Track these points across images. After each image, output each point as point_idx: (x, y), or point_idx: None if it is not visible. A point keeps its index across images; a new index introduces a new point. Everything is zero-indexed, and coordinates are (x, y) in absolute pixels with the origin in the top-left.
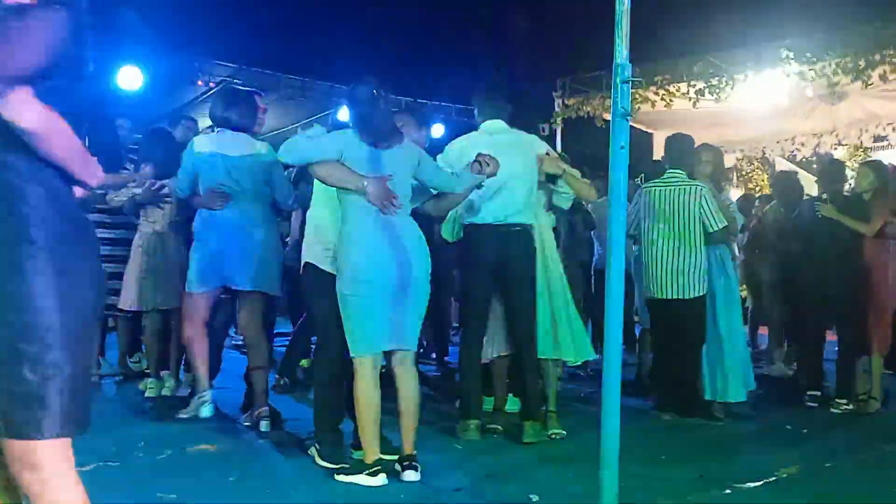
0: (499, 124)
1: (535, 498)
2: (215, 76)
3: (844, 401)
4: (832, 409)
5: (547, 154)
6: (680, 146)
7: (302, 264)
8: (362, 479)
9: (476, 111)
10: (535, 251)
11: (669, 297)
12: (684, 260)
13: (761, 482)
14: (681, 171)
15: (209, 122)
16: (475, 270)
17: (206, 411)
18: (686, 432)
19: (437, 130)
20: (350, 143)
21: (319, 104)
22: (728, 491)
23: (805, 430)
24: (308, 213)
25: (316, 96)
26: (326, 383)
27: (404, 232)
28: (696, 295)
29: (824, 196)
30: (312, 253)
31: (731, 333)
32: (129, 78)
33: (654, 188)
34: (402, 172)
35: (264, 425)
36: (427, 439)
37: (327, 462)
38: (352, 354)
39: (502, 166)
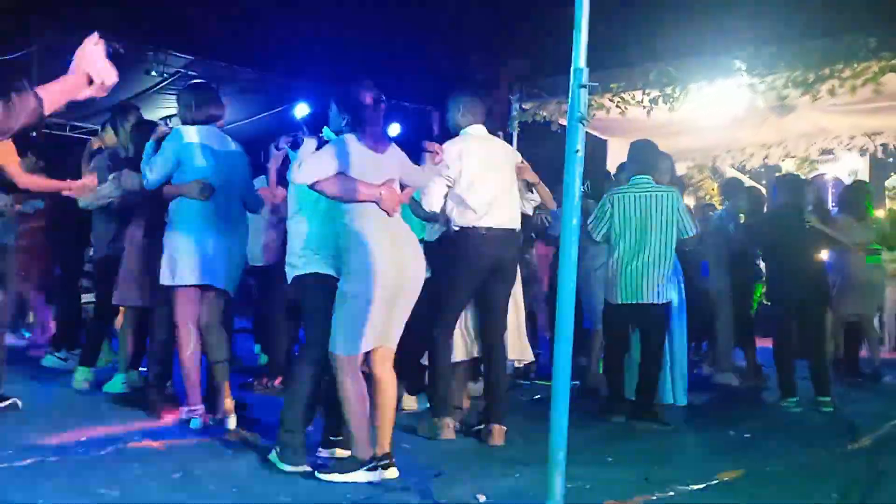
0: (482, 129)
1: (482, 498)
2: (169, 67)
3: (828, 399)
4: (822, 409)
5: (522, 163)
6: (646, 152)
7: (297, 274)
8: (361, 476)
9: (458, 112)
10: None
11: (644, 301)
12: (659, 265)
13: (704, 485)
14: (648, 177)
15: (162, 114)
16: (469, 273)
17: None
18: (632, 435)
19: (394, 130)
20: (356, 151)
21: (275, 99)
22: (671, 493)
23: (747, 435)
24: (295, 224)
25: (272, 90)
26: (309, 383)
27: (407, 235)
28: (667, 300)
29: (810, 208)
30: (314, 262)
31: (680, 340)
32: None
33: (626, 194)
34: (397, 175)
35: (231, 422)
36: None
37: (291, 465)
38: (342, 352)
39: (497, 173)
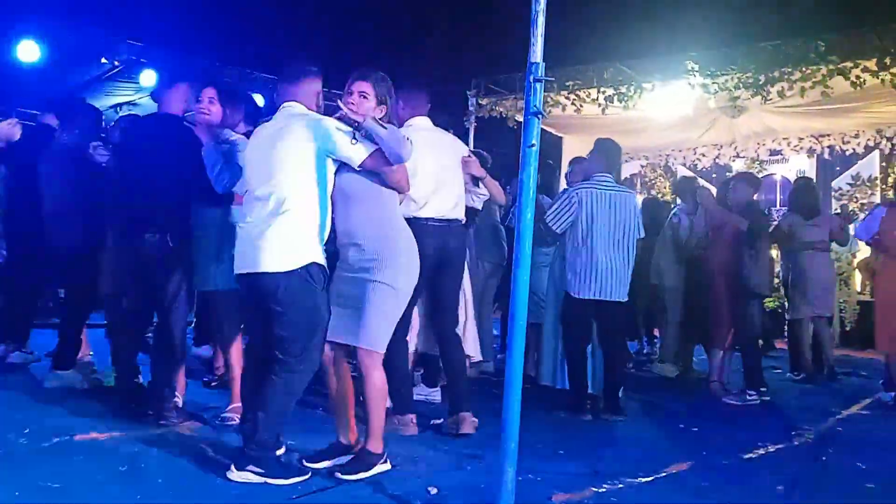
0: (426, 121)
1: (433, 490)
2: (120, 55)
3: (765, 388)
4: (763, 398)
5: (469, 156)
6: (612, 152)
7: (303, 265)
8: (380, 468)
9: (400, 105)
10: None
11: (612, 299)
12: (624, 264)
13: (652, 477)
14: (611, 176)
15: (113, 101)
16: None
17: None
18: (584, 428)
19: None
20: None
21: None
22: (620, 486)
23: (696, 429)
24: (307, 208)
25: (227, 81)
26: (298, 393)
27: None
28: (627, 298)
29: (784, 209)
30: (317, 252)
31: None
32: (28, 52)
33: (592, 190)
34: None
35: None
36: (328, 432)
37: (285, 478)
38: (379, 348)
39: (440, 164)
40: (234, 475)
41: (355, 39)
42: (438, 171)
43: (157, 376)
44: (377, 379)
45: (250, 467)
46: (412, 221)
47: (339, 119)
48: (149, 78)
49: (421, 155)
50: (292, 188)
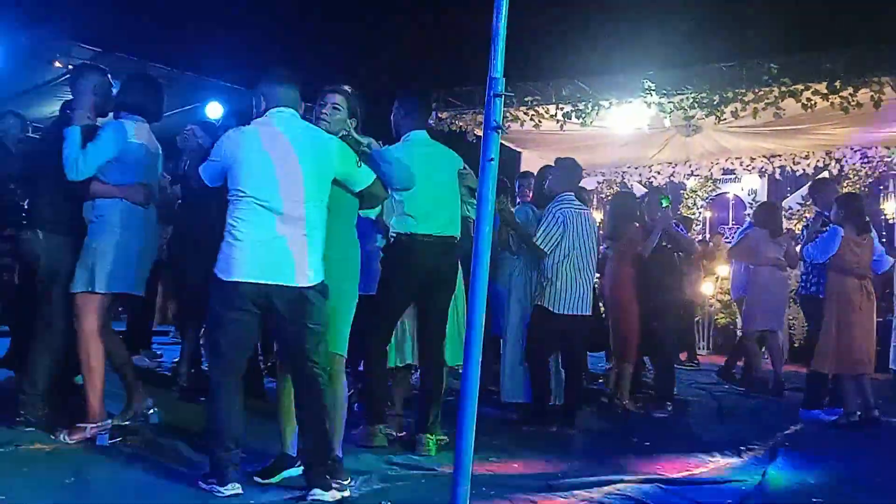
0: (424, 135)
1: None
2: (74, 58)
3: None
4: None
5: (464, 169)
6: (576, 172)
7: (322, 278)
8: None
9: (401, 116)
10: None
11: (582, 313)
12: (591, 279)
13: (606, 490)
14: (573, 195)
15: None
16: (407, 279)
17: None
18: (537, 442)
19: None
20: None
21: (186, 96)
22: (572, 498)
23: (648, 443)
24: (321, 224)
25: (182, 88)
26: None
27: None
28: (591, 312)
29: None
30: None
31: None
32: None
33: (569, 209)
34: None
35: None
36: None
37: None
38: (343, 353)
39: (437, 179)
40: (328, 496)
41: (314, 50)
42: (436, 187)
43: (32, 379)
44: (343, 385)
45: (336, 483)
46: (409, 237)
47: (342, 139)
48: None
49: (421, 171)
50: (315, 205)
